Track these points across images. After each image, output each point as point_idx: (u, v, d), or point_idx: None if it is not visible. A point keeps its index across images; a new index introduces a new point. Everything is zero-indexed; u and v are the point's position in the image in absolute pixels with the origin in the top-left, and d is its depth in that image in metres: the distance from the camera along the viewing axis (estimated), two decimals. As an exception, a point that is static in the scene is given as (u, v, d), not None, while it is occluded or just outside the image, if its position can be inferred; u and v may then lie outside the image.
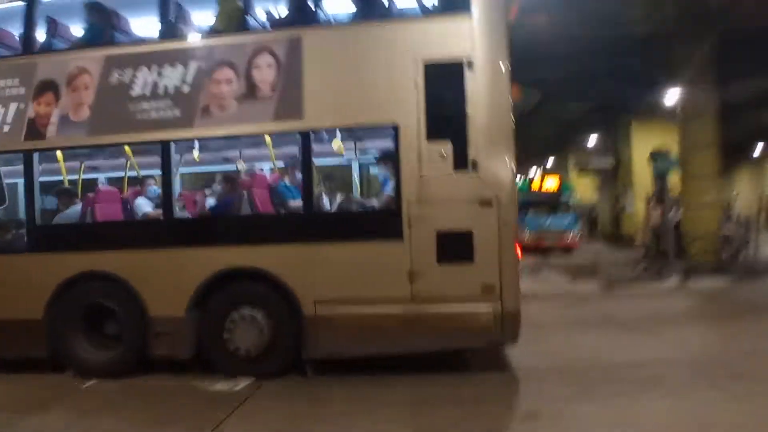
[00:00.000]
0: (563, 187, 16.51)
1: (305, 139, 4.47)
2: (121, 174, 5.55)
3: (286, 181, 5.03)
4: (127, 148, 5.02)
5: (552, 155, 29.03)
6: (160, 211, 4.83)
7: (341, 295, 4.26)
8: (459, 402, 3.73)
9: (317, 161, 4.69)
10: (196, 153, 5.16)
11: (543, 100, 14.29)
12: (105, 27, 4.89)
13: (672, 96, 11.41)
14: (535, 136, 24.83)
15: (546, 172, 20.92)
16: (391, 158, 4.40)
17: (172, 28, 4.81)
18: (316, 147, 4.61)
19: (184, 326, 4.37)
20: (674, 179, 11.45)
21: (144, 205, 5.10)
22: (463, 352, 4.73)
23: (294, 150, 4.71)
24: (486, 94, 4.23)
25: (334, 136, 4.79)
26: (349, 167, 5.27)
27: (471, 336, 4.21)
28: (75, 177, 5.48)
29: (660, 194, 11.49)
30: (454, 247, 4.15)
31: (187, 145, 4.95)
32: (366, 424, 3.34)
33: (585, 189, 22.35)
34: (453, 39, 4.29)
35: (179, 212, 4.88)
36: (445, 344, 4.28)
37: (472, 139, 4.16)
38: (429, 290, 4.17)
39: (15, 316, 4.56)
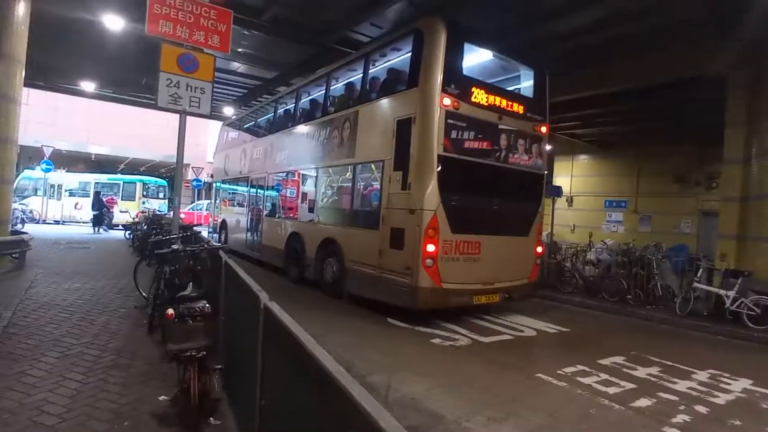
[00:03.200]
0: None
1: (354, 168, 7.92)
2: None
3: (344, 192, 8.46)
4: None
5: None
6: (310, 205, 9.30)
7: (355, 258, 7.51)
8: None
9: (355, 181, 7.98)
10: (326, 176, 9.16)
11: None
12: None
13: None
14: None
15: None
16: (379, 181, 7.18)
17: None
18: (358, 173, 7.92)
19: (313, 263, 8.65)
20: None
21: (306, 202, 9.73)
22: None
23: (348, 175, 8.20)
24: (418, 140, 6.45)
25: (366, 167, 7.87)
26: (364, 185, 7.91)
27: (401, 298, 6.55)
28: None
29: None
30: (397, 238, 6.62)
31: (323, 171, 9.07)
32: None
33: None
34: (409, 104, 6.74)
35: (317, 205, 9.08)
36: (392, 300, 6.75)
37: (410, 170, 6.51)
38: (385, 263, 6.81)
39: (277, 246, 10.28)
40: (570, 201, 21.92)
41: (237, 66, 15.20)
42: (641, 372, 5.24)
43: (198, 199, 29.04)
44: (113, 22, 11.04)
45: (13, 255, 8.64)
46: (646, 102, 13.47)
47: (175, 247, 4.14)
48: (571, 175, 22.86)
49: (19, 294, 6.55)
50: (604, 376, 5.01)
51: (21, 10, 8.33)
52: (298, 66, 13.99)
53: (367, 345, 5.54)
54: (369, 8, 10.05)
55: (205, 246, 4.16)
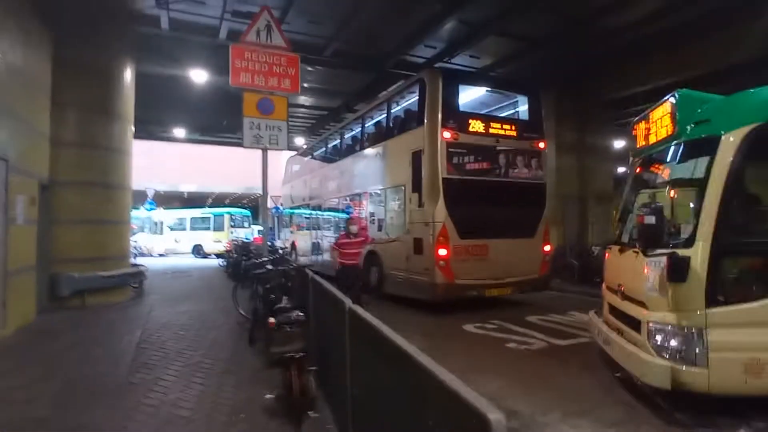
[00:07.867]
0: None
1: (385, 192, 9.51)
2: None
3: (381, 211, 9.82)
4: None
5: None
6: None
7: (391, 265, 8.99)
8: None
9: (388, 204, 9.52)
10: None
11: None
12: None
13: None
14: None
15: None
16: (404, 201, 8.68)
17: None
18: (389, 195, 9.44)
19: (362, 273, 9.34)
20: None
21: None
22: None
23: (383, 197, 9.74)
24: (427, 167, 7.93)
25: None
26: (394, 205, 9.23)
27: (424, 293, 7.98)
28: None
29: None
30: (418, 246, 8.09)
31: (366, 195, 10.55)
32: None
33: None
34: (419, 138, 8.21)
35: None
36: (417, 295, 8.19)
37: (423, 191, 7.99)
38: (411, 267, 8.30)
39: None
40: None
41: (304, 99, 16.43)
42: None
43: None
44: (198, 76, 12.60)
45: (134, 285, 10.05)
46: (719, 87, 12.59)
47: (269, 267, 4.80)
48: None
49: (144, 317, 7.71)
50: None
51: (128, 77, 9.85)
52: (361, 92, 14.85)
53: (443, 350, 5.82)
54: (420, 33, 10.60)
55: (293, 265, 4.78)
